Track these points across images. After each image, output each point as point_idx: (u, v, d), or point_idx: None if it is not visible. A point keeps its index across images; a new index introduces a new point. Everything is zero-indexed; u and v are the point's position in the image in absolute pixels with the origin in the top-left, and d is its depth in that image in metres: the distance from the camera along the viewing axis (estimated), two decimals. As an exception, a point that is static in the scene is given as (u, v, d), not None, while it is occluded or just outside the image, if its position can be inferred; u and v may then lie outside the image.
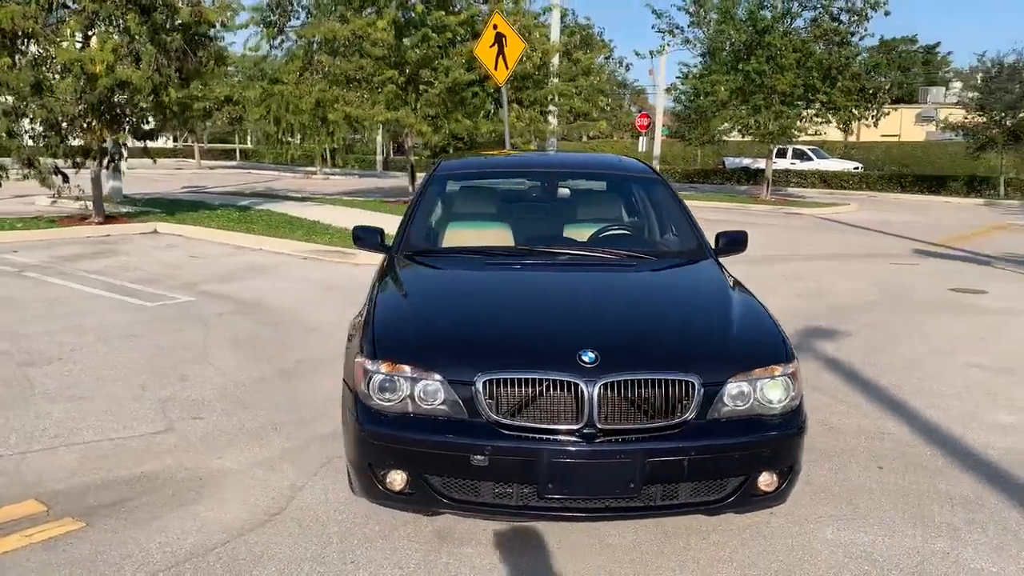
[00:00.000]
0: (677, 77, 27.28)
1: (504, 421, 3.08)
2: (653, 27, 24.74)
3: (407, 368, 3.22)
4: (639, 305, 3.81)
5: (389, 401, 3.22)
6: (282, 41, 16.72)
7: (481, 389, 3.10)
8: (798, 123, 22.52)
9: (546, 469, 3.02)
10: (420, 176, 39.25)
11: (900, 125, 49.76)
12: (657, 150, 35.10)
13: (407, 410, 3.19)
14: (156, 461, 4.23)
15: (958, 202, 27.61)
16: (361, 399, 3.28)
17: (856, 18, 21.28)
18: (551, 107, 19.16)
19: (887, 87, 22.93)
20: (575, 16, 20.88)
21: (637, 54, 30.39)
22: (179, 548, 3.36)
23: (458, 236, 4.73)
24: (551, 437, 3.05)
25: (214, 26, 12.21)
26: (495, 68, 12.91)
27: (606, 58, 18.82)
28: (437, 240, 4.74)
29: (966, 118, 28.23)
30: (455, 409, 3.13)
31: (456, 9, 16.13)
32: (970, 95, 28.42)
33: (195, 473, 4.10)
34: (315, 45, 16.39)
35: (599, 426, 3.05)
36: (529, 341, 3.37)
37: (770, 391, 3.24)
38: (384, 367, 3.25)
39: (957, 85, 57.00)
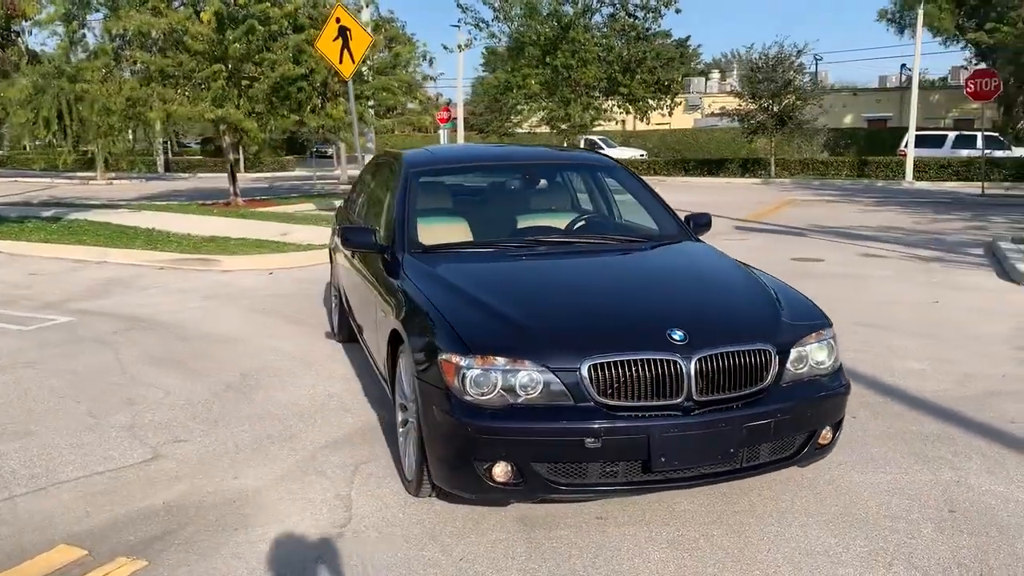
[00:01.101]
0: (483, 72, 27.94)
1: (612, 403, 3.20)
2: (460, 21, 25.09)
3: (501, 360, 3.26)
4: (682, 282, 4.07)
5: (486, 395, 3.24)
6: (83, 36, 15.33)
7: (587, 374, 3.21)
8: (604, 113, 23.76)
9: (657, 444, 3.19)
10: (251, 176, 36.89)
11: (670, 113, 53.45)
12: (461, 143, 35.62)
13: (509, 401, 3.23)
14: (169, 489, 3.94)
15: (738, 182, 30.26)
16: (455, 395, 3.28)
17: (651, 15, 22.77)
18: (370, 101, 18.97)
19: (679, 79, 24.70)
20: (377, 9, 20.74)
21: (445, 48, 30.62)
22: (274, 571, 3.20)
23: (449, 231, 4.73)
24: (658, 413, 3.22)
25: (28, 19, 11.04)
26: (340, 62, 12.67)
27: (421, 55, 18.81)
28: (432, 236, 4.72)
29: (739, 106, 31.01)
30: (558, 396, 3.22)
31: (280, 1, 15.55)
32: (740, 85, 31.23)
33: (223, 496, 3.87)
34: (124, 40, 15.19)
35: (696, 399, 3.25)
36: (620, 324, 3.50)
37: (819, 354, 3.60)
38: (478, 361, 3.27)
39: (716, 75, 62.33)
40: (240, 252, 10.65)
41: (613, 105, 23.81)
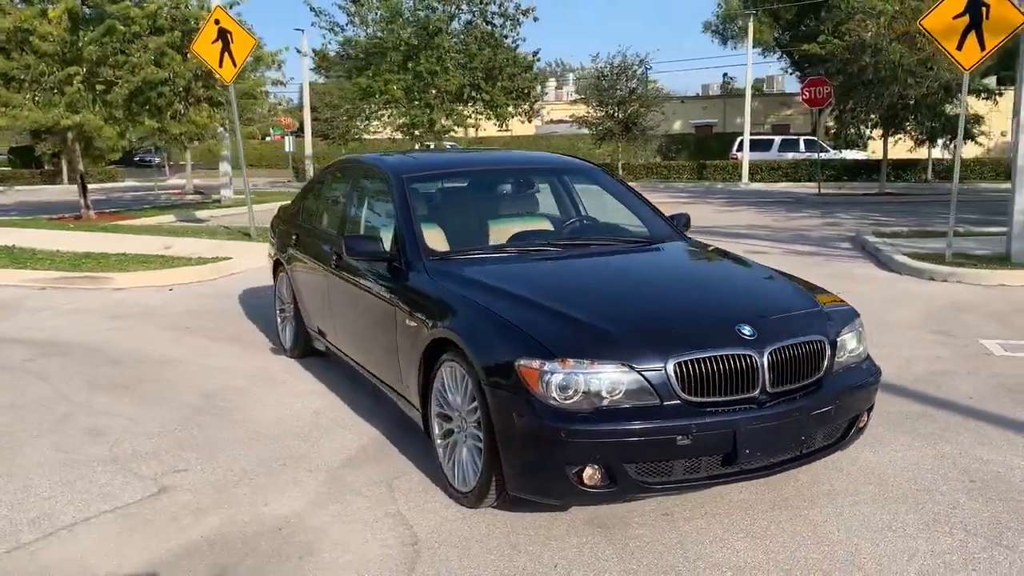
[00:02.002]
0: (334, 74, 27.32)
1: (697, 399, 3.27)
2: (313, 24, 24.33)
3: (586, 362, 3.25)
4: (722, 280, 4.22)
5: (570, 398, 3.23)
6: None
7: (672, 372, 3.26)
8: (467, 120, 23.85)
9: (743, 437, 3.28)
10: (100, 187, 33.79)
11: (529, 120, 54.48)
12: (309, 149, 34.72)
13: (595, 404, 3.23)
14: (200, 523, 3.65)
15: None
16: (539, 400, 3.24)
17: (509, 23, 23.08)
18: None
19: (537, 87, 25.17)
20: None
21: (300, 52, 29.62)
22: (370, 597, 3.04)
23: (454, 236, 4.65)
24: (739, 407, 3.32)
25: None
26: (220, 66, 12.09)
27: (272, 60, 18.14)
28: (438, 242, 4.60)
29: (587, 113, 32.06)
30: (643, 395, 3.25)
31: (141, 1, 14.60)
32: (587, 93, 32.29)
33: (265, 525, 3.63)
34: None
35: (768, 391, 3.38)
36: (694, 322, 3.58)
37: (853, 342, 3.83)
38: (561, 364, 3.24)
39: (552, 83, 64.02)
40: (129, 268, 9.93)
41: (475, 111, 23.92)
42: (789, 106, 53.02)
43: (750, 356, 3.35)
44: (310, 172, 31.61)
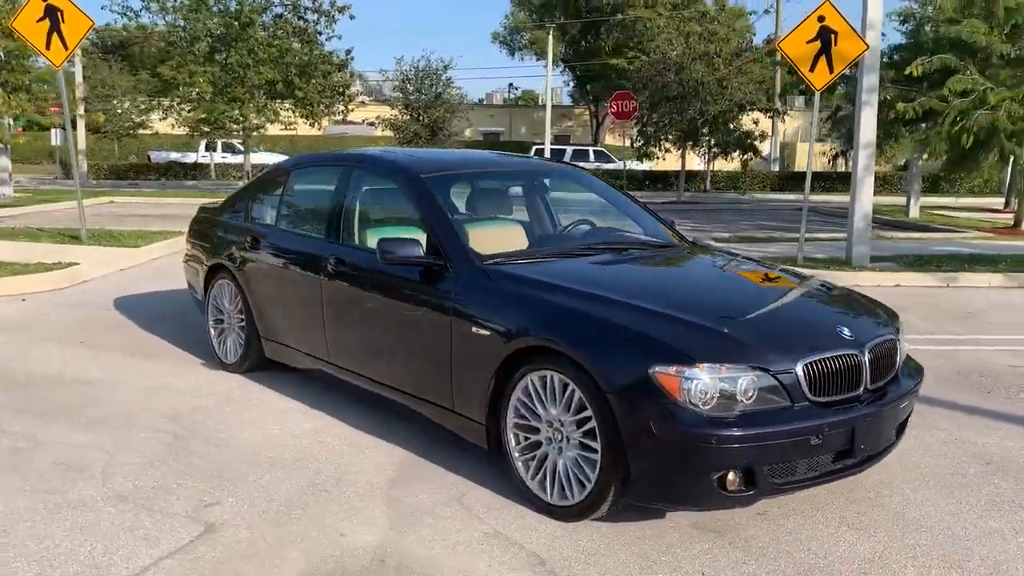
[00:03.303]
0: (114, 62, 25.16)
1: (822, 400, 3.38)
2: (104, 8, 22.07)
3: (725, 366, 3.26)
4: (784, 285, 4.31)
5: (708, 403, 3.22)
6: None
7: (802, 373, 3.34)
8: (279, 116, 22.81)
9: (860, 433, 3.44)
10: None
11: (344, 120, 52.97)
12: (82, 143, 31.62)
13: (734, 408, 3.24)
14: (288, 563, 3.24)
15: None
16: (681, 407, 3.20)
17: (324, 19, 22.37)
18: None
19: (351, 85, 24.58)
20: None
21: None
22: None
23: (481, 239, 4.46)
24: (852, 404, 3.46)
25: None
26: (47, 48, 10.75)
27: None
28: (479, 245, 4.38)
29: (392, 115, 31.70)
30: (774, 398, 3.30)
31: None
32: (394, 94, 31.97)
33: (361, 558, 3.29)
34: None
35: (869, 388, 3.57)
36: (807, 324, 3.67)
37: (903, 341, 4.11)
38: (699, 370, 3.23)
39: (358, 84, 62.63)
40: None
41: (290, 108, 22.91)
42: (570, 118, 55.64)
43: (856, 355, 3.51)
44: (84, 168, 28.71)
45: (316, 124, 23.88)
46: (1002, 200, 23.92)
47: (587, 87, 48.26)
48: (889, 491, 3.97)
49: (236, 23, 20.57)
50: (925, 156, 15.31)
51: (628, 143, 24.62)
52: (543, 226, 5.09)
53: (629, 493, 3.38)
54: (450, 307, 4.01)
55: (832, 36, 10.19)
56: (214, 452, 4.34)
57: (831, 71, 10.28)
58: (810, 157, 11.12)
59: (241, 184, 26.62)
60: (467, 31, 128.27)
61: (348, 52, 23.88)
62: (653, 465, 3.28)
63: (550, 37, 32.41)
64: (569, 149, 38.07)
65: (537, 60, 49.68)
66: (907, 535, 3.53)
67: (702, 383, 3.21)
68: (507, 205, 5.07)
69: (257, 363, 5.61)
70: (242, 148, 35.95)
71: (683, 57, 21.88)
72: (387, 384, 4.53)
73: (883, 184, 29.26)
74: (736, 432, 3.18)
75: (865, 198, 10.89)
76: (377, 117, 31.39)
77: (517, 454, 3.78)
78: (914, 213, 19.82)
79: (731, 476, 3.24)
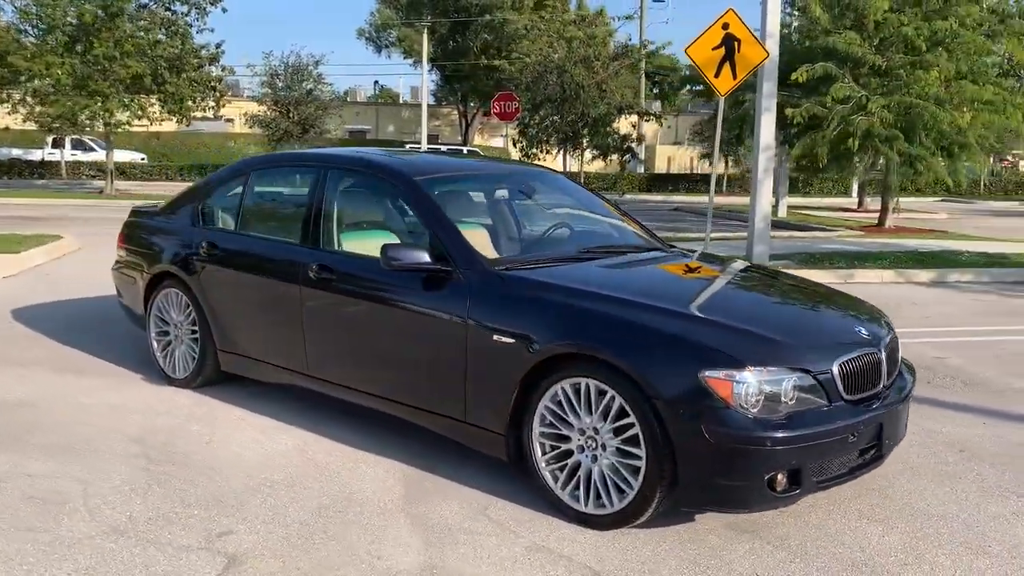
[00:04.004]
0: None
1: (854, 398, 3.49)
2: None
3: (772, 369, 3.31)
4: (787, 286, 4.40)
5: (756, 406, 3.27)
6: None
7: (838, 373, 3.43)
8: (147, 112, 21.53)
9: (887, 428, 3.57)
10: None
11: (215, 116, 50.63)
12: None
13: (778, 410, 3.29)
14: (331, 591, 3.05)
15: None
16: (733, 411, 3.22)
17: (196, 11, 21.30)
18: None
19: (222, 80, 23.52)
20: None
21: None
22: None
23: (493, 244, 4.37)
24: (877, 401, 3.59)
25: None
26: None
27: None
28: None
29: (261, 111, 30.57)
30: (814, 398, 3.38)
31: None
32: (263, 90, 30.83)
33: (412, 581, 3.14)
34: None
35: (885, 384, 3.71)
36: (830, 325, 3.77)
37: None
38: (749, 373, 3.26)
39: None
40: None
41: (156, 104, 21.62)
42: (438, 117, 55.40)
43: (876, 353, 3.65)
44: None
45: (185, 120, 22.68)
46: (853, 200, 25.67)
47: (455, 87, 48.22)
48: (888, 483, 4.13)
49: (103, 12, 19.22)
50: (792, 160, 16.16)
51: (510, 144, 24.73)
52: (532, 230, 5.02)
53: (679, 498, 3.37)
54: (464, 315, 3.88)
55: (736, 43, 10.58)
56: (200, 476, 4.02)
57: (735, 77, 10.67)
58: (715, 158, 11.50)
59: (100, 184, 24.99)
60: (330, 25, 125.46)
61: (219, 46, 22.83)
62: (705, 469, 3.28)
63: (425, 36, 32.17)
64: (443, 148, 37.90)
65: (404, 58, 49.27)
66: (925, 525, 3.68)
67: (751, 386, 3.25)
68: (481, 208, 4.97)
69: (211, 377, 5.25)
70: (94, 145, 34.06)
71: (565, 60, 22.22)
72: (382, 396, 4.33)
73: (740, 186, 30.83)
74: (787, 433, 3.23)
75: (764, 199, 11.40)
76: (245, 113, 30.18)
77: (544, 464, 3.69)
78: (782, 213, 20.95)
79: (780, 476, 3.28)
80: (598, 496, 3.54)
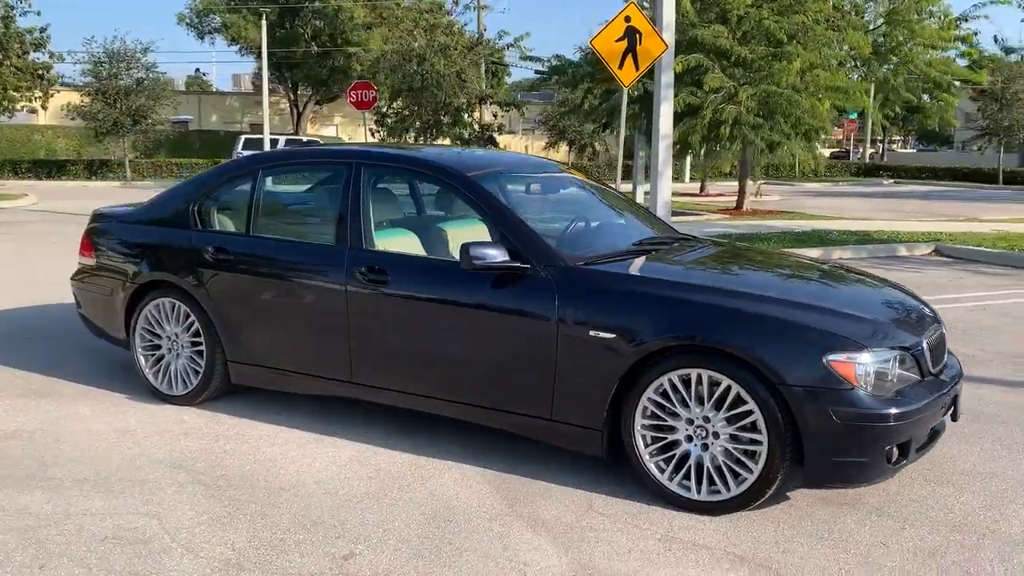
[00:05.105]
0: None
1: (935, 371, 3.77)
2: None
3: (884, 350, 3.53)
4: (837, 271, 4.63)
5: (872, 384, 3.46)
6: None
7: (927, 350, 3.70)
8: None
9: (959, 398, 3.87)
10: None
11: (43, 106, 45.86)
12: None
13: (889, 387, 3.50)
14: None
15: (97, 186, 27.64)
16: (857, 391, 3.40)
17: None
18: None
19: (50, 68, 21.55)
20: None
21: None
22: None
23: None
24: (946, 377, 3.88)
25: None
26: None
27: None
28: None
29: (83, 102, 28.25)
30: (912, 375, 3.62)
31: None
32: (86, 79, 28.48)
33: (576, 584, 3.10)
34: None
35: (945, 360, 4.02)
36: (902, 305, 4.03)
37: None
38: (866, 354, 3.46)
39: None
40: None
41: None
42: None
43: (941, 329, 3.96)
44: None
45: (9, 111, 20.64)
46: (688, 186, 27.15)
47: (286, 75, 46.43)
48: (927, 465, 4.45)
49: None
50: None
51: (367, 134, 24.21)
52: (575, 223, 4.99)
53: (804, 479, 3.51)
54: (553, 311, 3.84)
55: (637, 36, 10.92)
56: (276, 498, 3.76)
57: (637, 68, 11.02)
58: (620, 148, 11.81)
59: None
60: (149, 12, 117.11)
61: (43, 30, 20.92)
62: (830, 449, 3.43)
63: (264, 22, 30.70)
64: (282, 139, 36.44)
65: (230, 45, 46.84)
66: (984, 483, 4.02)
67: (869, 366, 3.44)
68: (529, 203, 4.90)
69: (218, 391, 4.89)
70: None
71: (426, 49, 22.02)
72: (446, 399, 4.21)
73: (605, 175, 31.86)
74: (902, 409, 3.45)
75: (665, 187, 11.85)
76: (68, 103, 27.80)
77: (648, 456, 3.73)
78: (640, 199, 21.82)
79: (893, 449, 3.50)
80: (711, 483, 3.62)
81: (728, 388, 3.53)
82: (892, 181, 37.08)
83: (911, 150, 68.24)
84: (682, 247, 4.62)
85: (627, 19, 10.91)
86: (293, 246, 4.65)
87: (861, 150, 50.16)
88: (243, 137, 36.70)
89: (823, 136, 17.37)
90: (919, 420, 3.54)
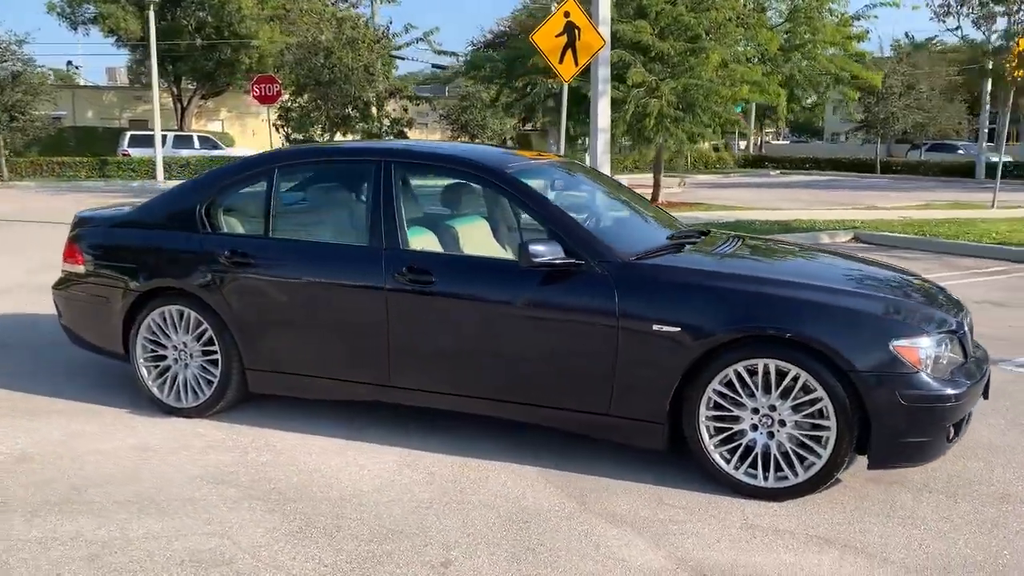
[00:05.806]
0: None
1: (973, 353, 3.97)
2: None
3: (941, 333, 3.72)
4: (860, 260, 4.79)
5: (931, 366, 3.62)
6: None
7: (968, 331, 3.90)
8: None
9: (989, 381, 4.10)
10: None
11: None
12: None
13: (943, 367, 3.68)
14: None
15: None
16: (921, 375, 3.55)
17: None
18: None
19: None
20: None
21: None
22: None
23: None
24: (981, 350, 4.11)
25: None
26: None
27: None
28: None
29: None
30: (957, 356, 3.81)
31: None
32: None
33: (684, 577, 3.13)
34: None
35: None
36: (934, 291, 4.21)
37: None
38: (926, 339, 3.63)
39: None
40: None
41: None
42: (147, 101, 50.61)
43: (969, 315, 4.17)
44: None
45: None
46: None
47: (168, 68, 44.40)
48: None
49: None
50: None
51: (278, 131, 23.46)
52: (604, 219, 4.98)
53: (870, 460, 3.64)
54: (613, 307, 3.84)
55: (576, 31, 11.00)
56: (340, 509, 3.62)
57: (576, 63, 11.10)
58: (561, 142, 11.88)
59: None
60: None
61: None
62: (898, 431, 3.57)
63: (151, 13, 29.21)
64: (170, 135, 34.93)
65: (106, 36, 44.42)
66: (1009, 456, 4.27)
67: (930, 349, 3.61)
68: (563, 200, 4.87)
69: (233, 401, 4.67)
70: None
71: (334, 42, 21.51)
72: (496, 399, 4.15)
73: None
74: (960, 389, 3.63)
75: (602, 180, 12.00)
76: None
77: (713, 447, 3.79)
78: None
79: (951, 431, 3.67)
80: (779, 470, 3.71)
81: (796, 377, 3.62)
82: (778, 172, 38.67)
83: (785, 141, 71.33)
84: (712, 240, 4.70)
85: (567, 14, 10.96)
86: (321, 248, 4.47)
87: (745, 143, 52.16)
88: (128, 134, 35.13)
89: (739, 129, 18.02)
90: (971, 400, 3.73)
